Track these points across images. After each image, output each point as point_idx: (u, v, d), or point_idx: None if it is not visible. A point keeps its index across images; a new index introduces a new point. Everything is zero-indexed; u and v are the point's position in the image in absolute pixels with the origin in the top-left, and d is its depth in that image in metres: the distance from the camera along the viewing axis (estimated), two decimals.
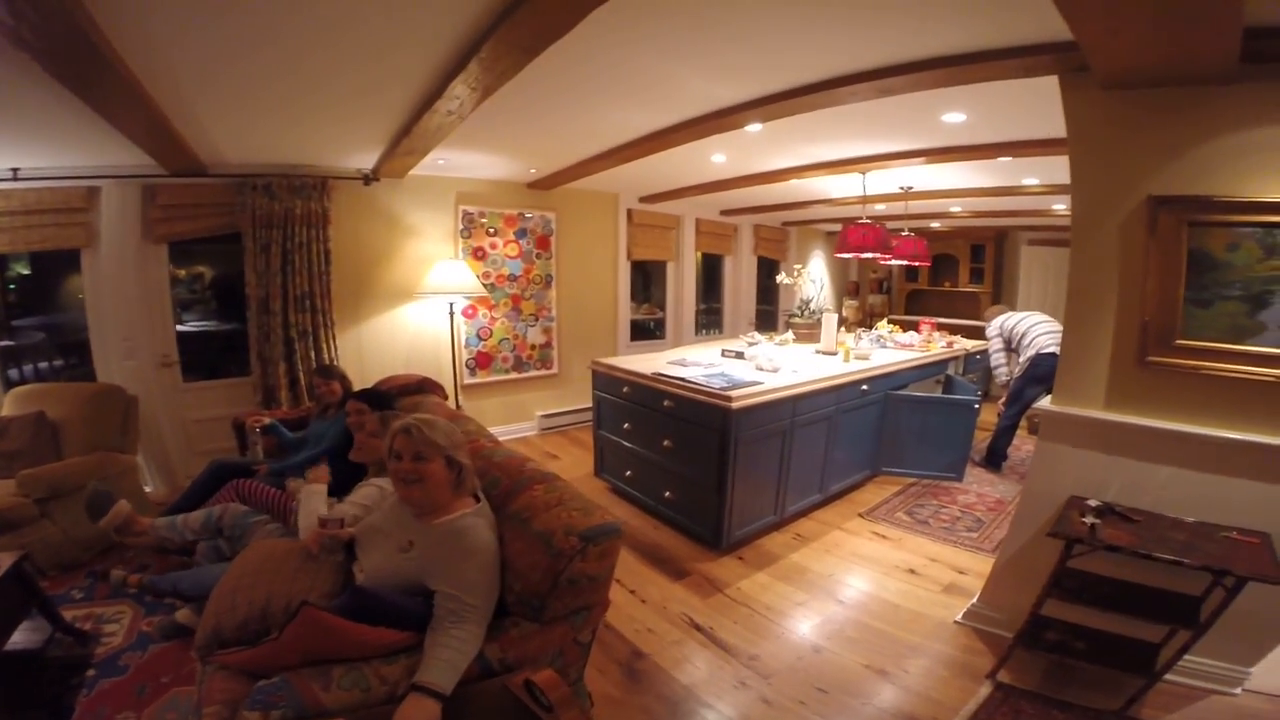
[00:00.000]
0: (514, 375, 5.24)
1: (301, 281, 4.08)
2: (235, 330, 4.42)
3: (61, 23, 1.65)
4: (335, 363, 4.15)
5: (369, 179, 4.41)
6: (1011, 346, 4.65)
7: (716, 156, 4.07)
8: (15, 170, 3.70)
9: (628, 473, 3.78)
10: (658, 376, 3.38)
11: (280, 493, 2.76)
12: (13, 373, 4.05)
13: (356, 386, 3.63)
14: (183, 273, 4.48)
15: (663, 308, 6.52)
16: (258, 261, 4.01)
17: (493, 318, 5.08)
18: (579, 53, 2.19)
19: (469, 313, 4.94)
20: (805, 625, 2.70)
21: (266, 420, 3.30)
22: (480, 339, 5.05)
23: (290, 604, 1.68)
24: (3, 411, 3.44)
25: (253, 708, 1.42)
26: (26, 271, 4.30)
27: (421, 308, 4.74)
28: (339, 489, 2.57)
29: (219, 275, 4.63)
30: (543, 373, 5.40)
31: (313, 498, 2.17)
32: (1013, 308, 4.89)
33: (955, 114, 2.92)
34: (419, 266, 4.67)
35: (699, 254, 6.69)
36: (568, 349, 5.52)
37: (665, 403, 3.31)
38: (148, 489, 3.91)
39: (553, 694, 1.52)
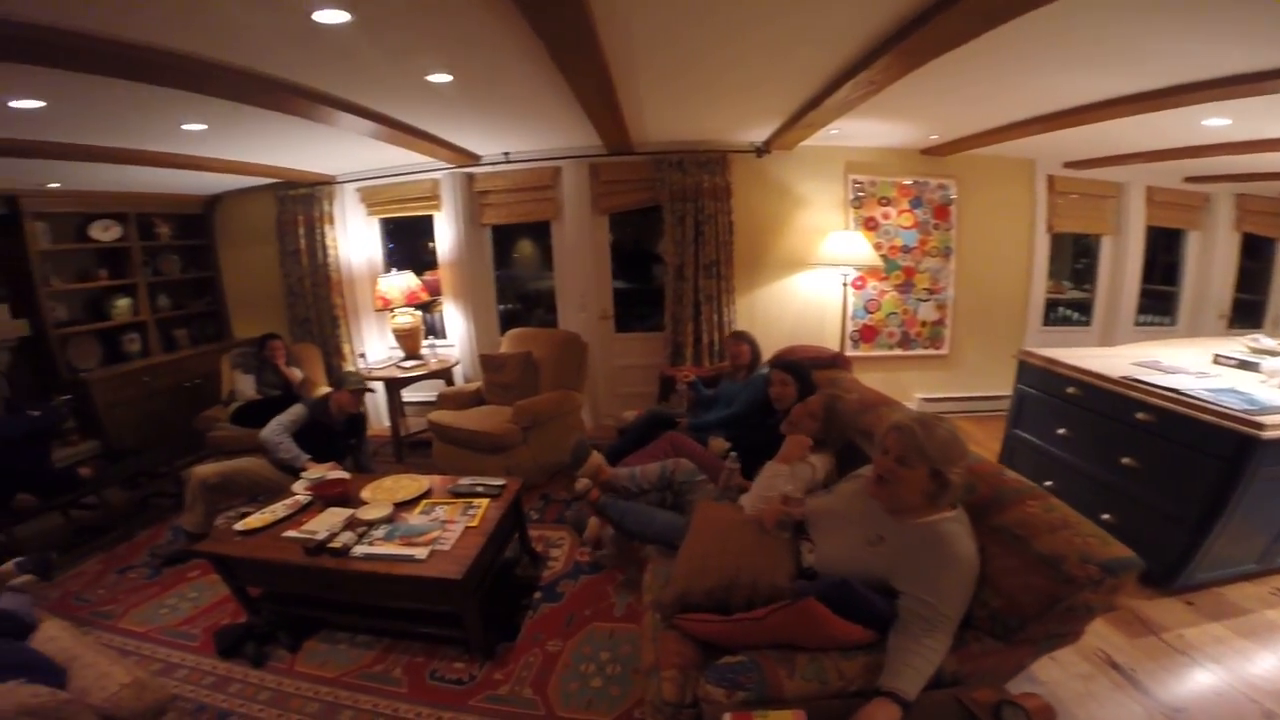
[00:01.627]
0: (898, 352, 4.93)
1: (710, 250, 4.40)
2: (628, 288, 5.01)
3: (572, 8, 1.79)
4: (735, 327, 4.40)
5: (761, 151, 4.51)
6: None
7: (1213, 120, 3.13)
8: (507, 154, 4.69)
9: (1047, 482, 3.21)
10: (1131, 382, 2.74)
11: (705, 450, 3.01)
12: None
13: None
14: None
15: (1080, 285, 5.39)
16: (675, 232, 4.45)
17: (882, 290, 4.82)
18: (1055, 19, 1.86)
19: (858, 284, 4.76)
20: (1262, 688, 2.13)
21: (691, 377, 3.64)
22: (867, 311, 4.84)
23: (758, 580, 1.74)
24: (501, 349, 4.51)
25: (718, 683, 1.48)
26: None
27: (810, 277, 4.73)
28: (750, 452, 2.66)
29: (614, 240, 5.15)
30: (930, 352, 4.96)
31: (777, 476, 2.26)
32: None
33: None
34: (809, 236, 4.65)
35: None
36: (962, 329, 4.95)
37: (1139, 415, 2.67)
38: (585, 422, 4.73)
39: None
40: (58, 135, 2.92)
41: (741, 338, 3.55)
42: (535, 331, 4.53)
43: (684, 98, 3.34)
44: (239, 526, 2.62)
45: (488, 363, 4.32)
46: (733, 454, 2.67)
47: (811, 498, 2.10)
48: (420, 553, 2.36)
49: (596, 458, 2.93)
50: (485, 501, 2.77)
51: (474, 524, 2.58)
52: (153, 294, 4.92)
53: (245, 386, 4.33)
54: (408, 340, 4.74)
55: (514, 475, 3.20)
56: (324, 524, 2.57)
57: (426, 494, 2.88)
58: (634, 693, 2.22)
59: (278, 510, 2.75)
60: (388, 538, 2.48)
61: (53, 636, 1.98)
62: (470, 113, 3.36)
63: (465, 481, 2.95)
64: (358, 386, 3.47)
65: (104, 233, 4.63)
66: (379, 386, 4.66)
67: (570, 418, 4.20)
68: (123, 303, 4.68)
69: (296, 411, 3.35)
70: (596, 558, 3.04)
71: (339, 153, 4.17)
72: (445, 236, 4.93)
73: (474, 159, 4.64)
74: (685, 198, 4.39)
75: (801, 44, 2.39)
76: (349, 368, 5.05)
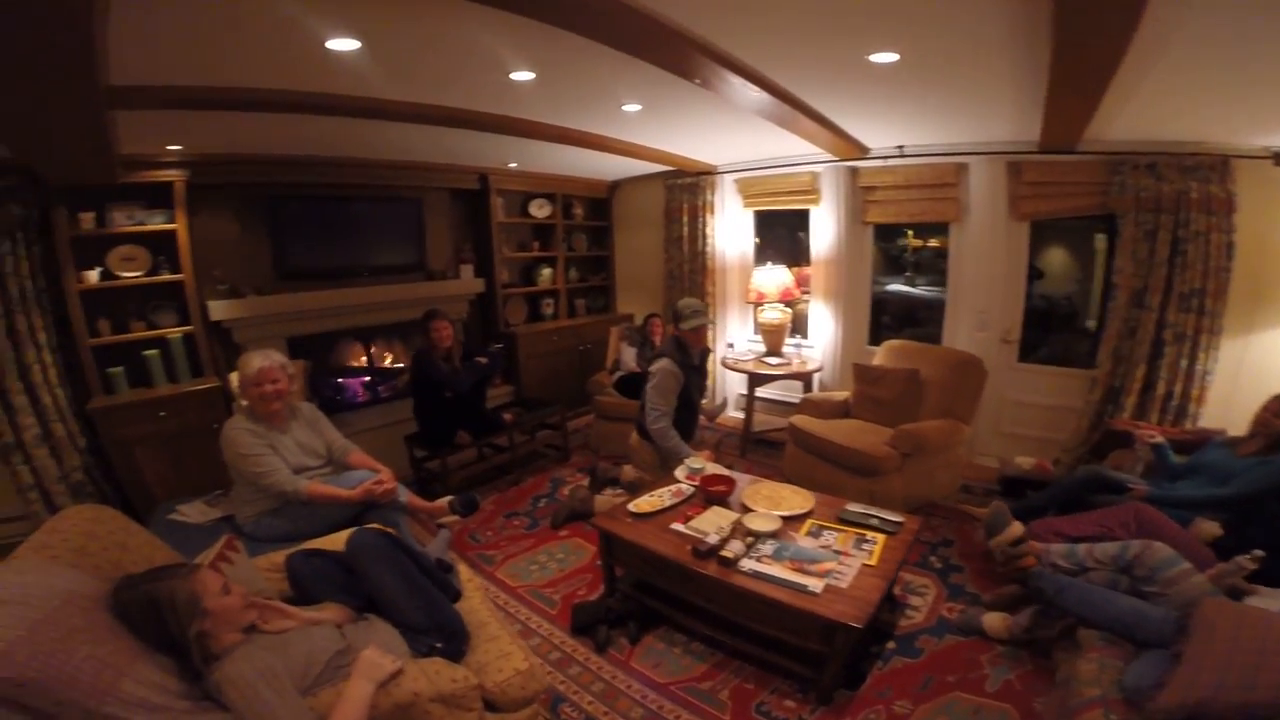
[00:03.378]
0: None
1: (1192, 277, 3.35)
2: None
3: None
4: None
5: None
6: None
7: None
8: (901, 147, 4.21)
9: None
10: None
11: (1184, 532, 2.26)
12: None
13: (1216, 419, 2.72)
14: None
15: None
16: (1138, 249, 3.50)
17: None
18: None
19: None
20: None
21: (1158, 439, 2.81)
22: None
23: None
24: (875, 360, 4.13)
25: None
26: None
27: None
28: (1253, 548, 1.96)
29: None
30: None
31: None
32: None
33: None
34: None
35: None
36: None
37: None
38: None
39: None
40: (530, 114, 3.36)
41: None
42: (923, 347, 4.03)
43: (1206, 89, 2.55)
44: (632, 508, 2.69)
45: (864, 374, 3.99)
46: (1257, 552, 1.94)
47: None
48: (815, 584, 2.13)
49: (1019, 528, 2.42)
50: (882, 538, 2.44)
51: (871, 562, 2.28)
52: (566, 267, 5.70)
53: (629, 358, 4.73)
54: (772, 336, 4.67)
55: (878, 503, 2.84)
56: (711, 525, 2.49)
57: (809, 513, 2.66)
58: None
59: (664, 497, 2.78)
60: (776, 556, 2.32)
61: (467, 595, 2.06)
62: (890, 98, 3.04)
63: (855, 508, 2.66)
64: (698, 321, 3.24)
65: (538, 210, 5.48)
66: (739, 378, 4.70)
67: (952, 452, 3.65)
68: (546, 272, 5.53)
69: (665, 372, 3.19)
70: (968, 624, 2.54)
71: (726, 141, 4.25)
72: (821, 233, 4.71)
73: (861, 151, 4.29)
74: (1159, 208, 3.40)
75: None
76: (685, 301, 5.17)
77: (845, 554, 2.33)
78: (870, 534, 2.47)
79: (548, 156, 4.56)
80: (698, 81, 2.59)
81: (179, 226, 3.55)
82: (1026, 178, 3.86)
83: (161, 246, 3.56)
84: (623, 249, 6.12)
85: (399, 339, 4.81)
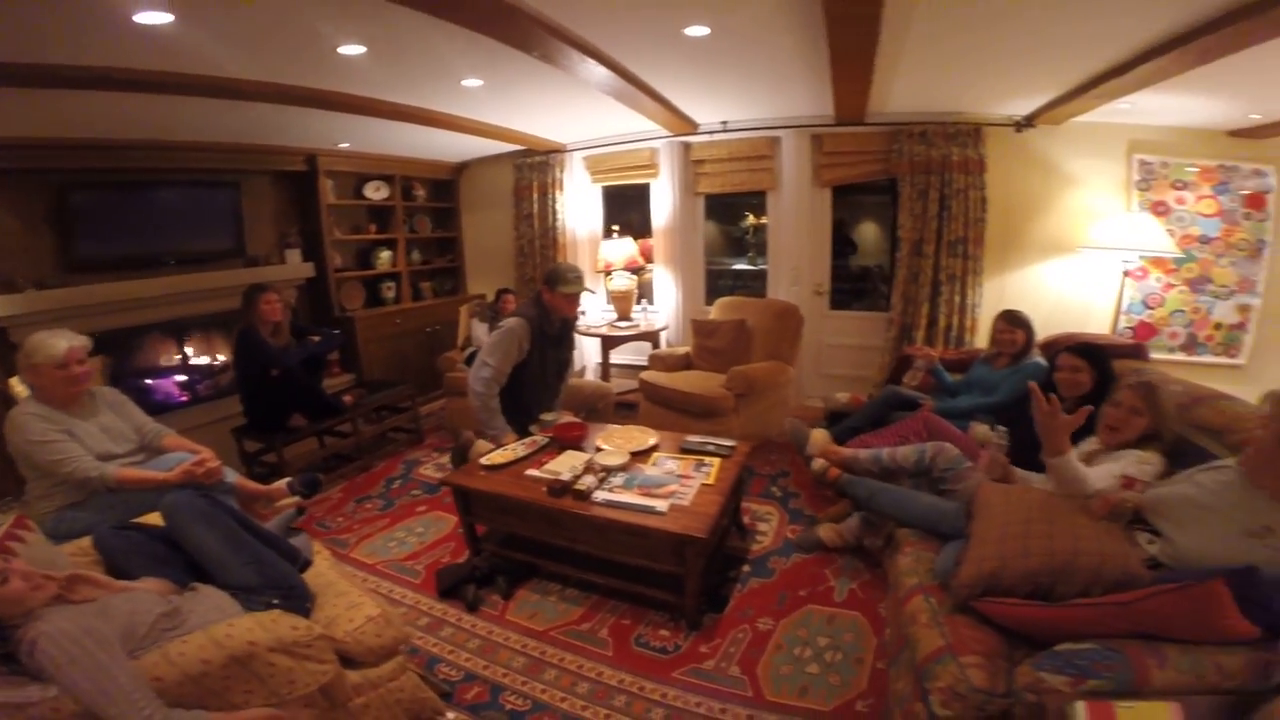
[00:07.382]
0: (1180, 357, 4.11)
1: (957, 227, 4.00)
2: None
3: None
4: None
5: (1021, 126, 3.99)
6: None
7: None
8: (725, 122, 4.57)
9: None
10: None
11: (965, 436, 2.70)
12: None
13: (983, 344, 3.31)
14: None
15: None
16: (914, 206, 4.09)
17: (1168, 284, 4.05)
18: None
19: (1137, 275, 4.05)
20: None
21: (934, 359, 3.32)
22: (1147, 307, 4.10)
23: (1103, 566, 1.53)
24: (711, 316, 4.46)
25: (1060, 670, 1.31)
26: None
27: (1074, 264, 4.12)
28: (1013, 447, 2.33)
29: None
30: (1222, 360, 4.09)
31: (1119, 461, 1.95)
32: None
33: None
34: (1077, 219, 4.04)
35: None
36: (1270, 336, 4.03)
37: None
38: None
39: None
40: (364, 90, 3.22)
41: (1017, 321, 3.08)
42: (748, 300, 4.43)
43: (950, 61, 3.04)
44: (484, 461, 2.70)
45: (700, 328, 4.30)
46: (1000, 429, 2.36)
47: (1154, 486, 1.82)
48: (660, 505, 2.30)
49: (820, 434, 2.77)
50: (717, 460, 2.68)
51: (710, 481, 2.50)
52: (408, 249, 5.53)
53: (480, 334, 4.69)
54: (622, 302, 4.88)
55: None
56: (565, 466, 2.59)
57: (654, 447, 2.86)
58: (856, 683, 2.04)
59: (518, 449, 2.82)
60: (626, 485, 2.47)
61: (314, 565, 2.02)
62: (708, 73, 3.27)
63: (694, 439, 2.89)
64: (574, 288, 3.03)
65: (375, 192, 5.27)
66: (594, 343, 4.86)
67: (782, 390, 4.05)
68: (385, 255, 5.32)
69: (508, 330, 2.96)
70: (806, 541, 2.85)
71: (570, 118, 4.35)
72: (661, 205, 4.99)
73: (693, 127, 4.60)
74: (929, 170, 4.02)
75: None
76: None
77: (686, 477, 2.53)
78: (707, 459, 2.70)
79: (386, 136, 4.39)
80: (537, 55, 2.61)
81: None
82: (826, 148, 4.37)
83: None
84: (472, 230, 6.05)
85: (221, 331, 4.42)
